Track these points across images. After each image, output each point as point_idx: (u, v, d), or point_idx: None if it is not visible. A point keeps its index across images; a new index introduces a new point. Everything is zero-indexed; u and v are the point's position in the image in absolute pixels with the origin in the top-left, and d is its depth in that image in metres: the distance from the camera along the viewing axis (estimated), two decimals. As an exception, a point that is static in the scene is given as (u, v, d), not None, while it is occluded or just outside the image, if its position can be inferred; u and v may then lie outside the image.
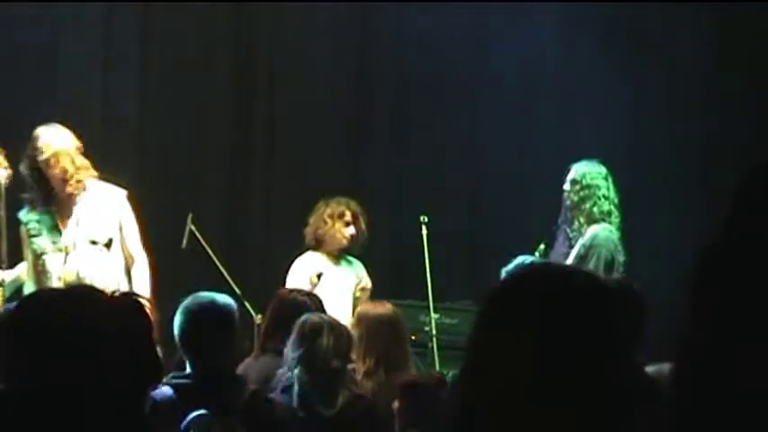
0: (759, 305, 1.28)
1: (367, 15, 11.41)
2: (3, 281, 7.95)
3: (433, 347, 8.76)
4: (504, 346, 2.40)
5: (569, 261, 8.34)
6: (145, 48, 11.01)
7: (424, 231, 9.16)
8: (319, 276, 8.55)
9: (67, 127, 8.18)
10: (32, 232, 8.01)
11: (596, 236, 8.44)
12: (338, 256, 8.93)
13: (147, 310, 4.20)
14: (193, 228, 8.93)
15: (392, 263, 10.14)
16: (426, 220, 9.18)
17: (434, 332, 8.86)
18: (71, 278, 7.89)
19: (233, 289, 8.51)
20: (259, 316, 8.29)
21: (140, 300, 4.06)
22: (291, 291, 7.76)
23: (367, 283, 8.98)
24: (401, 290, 9.33)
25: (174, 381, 5.70)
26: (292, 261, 8.86)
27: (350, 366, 6.81)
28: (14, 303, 4.73)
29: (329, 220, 8.83)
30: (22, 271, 8.17)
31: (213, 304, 5.81)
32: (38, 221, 8.07)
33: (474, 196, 11.03)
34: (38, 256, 8.00)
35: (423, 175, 10.91)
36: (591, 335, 2.42)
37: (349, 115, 11.20)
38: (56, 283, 7.82)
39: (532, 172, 10.20)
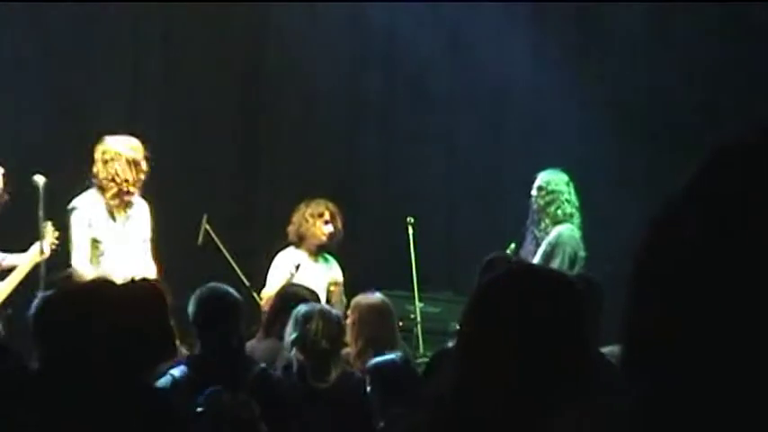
0: (706, 283, 1.12)
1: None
2: None
3: (417, 333, 8.73)
4: (492, 339, 2.51)
5: (537, 257, 8.38)
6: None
7: (411, 231, 9.12)
8: (297, 267, 8.48)
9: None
10: (92, 221, 7.96)
11: (560, 235, 8.44)
12: (316, 252, 8.82)
13: (163, 295, 4.26)
14: (208, 227, 8.90)
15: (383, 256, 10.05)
16: (412, 220, 9.15)
17: (419, 319, 8.84)
18: (124, 267, 7.83)
19: (242, 280, 8.57)
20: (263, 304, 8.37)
21: (158, 285, 4.12)
22: (293, 285, 7.82)
23: (339, 277, 8.88)
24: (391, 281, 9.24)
25: (189, 360, 5.84)
26: (273, 257, 8.84)
27: (346, 350, 6.91)
28: (48, 292, 4.76)
29: (310, 219, 8.74)
30: (28, 255, 8.11)
31: (222, 292, 5.99)
32: (97, 212, 8.02)
33: (454, 201, 10.98)
34: (96, 243, 7.94)
35: (409, 179, 10.82)
36: (564, 325, 2.50)
37: (341, 129, 11.14)
38: (111, 267, 7.74)
39: (504, 180, 10.17)
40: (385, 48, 11.17)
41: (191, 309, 5.96)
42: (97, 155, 8.02)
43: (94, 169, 8.02)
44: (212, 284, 6.11)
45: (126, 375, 4.08)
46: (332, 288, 8.77)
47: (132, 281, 5.48)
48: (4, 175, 8.10)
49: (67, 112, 10.04)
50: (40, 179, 8.14)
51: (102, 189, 7.99)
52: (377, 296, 7.36)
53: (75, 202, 7.99)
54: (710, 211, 1.13)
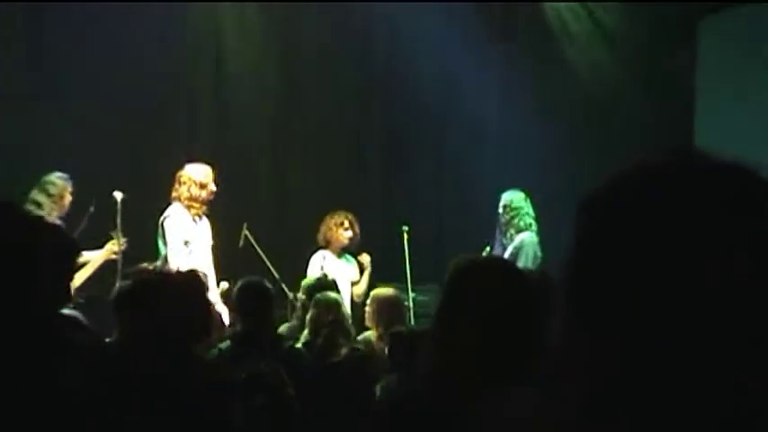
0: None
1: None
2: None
3: (410, 316, 8.58)
4: (463, 321, 2.47)
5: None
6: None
7: (405, 237, 9.22)
8: (322, 267, 8.54)
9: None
10: (182, 227, 8.04)
11: (523, 240, 8.46)
12: (339, 254, 8.87)
13: (204, 286, 4.24)
14: (248, 233, 8.88)
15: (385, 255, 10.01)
16: (407, 228, 9.24)
17: (412, 305, 8.84)
18: (203, 263, 7.97)
19: (273, 275, 8.53)
20: (291, 294, 8.38)
21: (200, 278, 4.12)
22: (316, 278, 7.67)
23: (355, 275, 8.92)
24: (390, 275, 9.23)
25: (233, 336, 5.93)
26: (310, 256, 8.83)
27: (367, 333, 7.00)
28: (124, 283, 4.83)
29: (333, 227, 8.82)
30: (101, 252, 8.11)
31: (257, 284, 6.04)
32: (184, 220, 8.10)
33: (441, 212, 11.09)
34: (186, 243, 8.05)
35: (406, 195, 10.74)
36: (517, 309, 2.47)
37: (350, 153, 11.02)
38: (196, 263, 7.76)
39: (480, 198, 10.00)
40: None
41: (234, 296, 6.11)
42: (177, 178, 8.21)
43: (175, 188, 8.18)
44: (250, 278, 6.18)
45: (180, 349, 4.02)
46: (357, 280, 8.87)
47: (179, 273, 5.52)
48: (71, 192, 8.12)
49: (140, 139, 9.85)
50: (118, 195, 8.24)
51: (181, 203, 8.15)
52: (391, 290, 7.42)
53: (167, 213, 8.09)
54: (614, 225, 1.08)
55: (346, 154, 10.96)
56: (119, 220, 8.20)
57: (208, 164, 8.37)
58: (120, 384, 3.60)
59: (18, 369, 2.09)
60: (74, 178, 8.18)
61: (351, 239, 8.85)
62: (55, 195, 8.02)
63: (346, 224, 8.84)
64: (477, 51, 10.59)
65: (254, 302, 5.87)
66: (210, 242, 8.31)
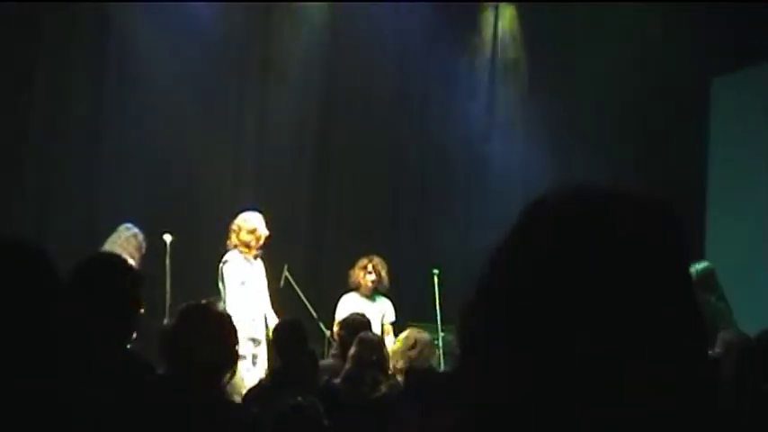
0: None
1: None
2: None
3: (440, 354, 8.58)
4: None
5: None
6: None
7: (436, 280, 9.21)
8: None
9: None
10: (239, 270, 8.25)
11: None
12: (369, 295, 8.82)
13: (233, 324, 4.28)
14: (288, 274, 9.00)
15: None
16: (437, 272, 9.23)
17: (441, 343, 8.74)
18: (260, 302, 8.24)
19: (311, 313, 8.66)
20: (327, 332, 8.48)
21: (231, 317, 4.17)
22: (352, 316, 7.56)
23: (390, 315, 8.86)
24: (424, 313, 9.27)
25: (273, 371, 5.97)
26: (339, 298, 8.82)
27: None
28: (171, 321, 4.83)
29: (358, 271, 8.84)
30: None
31: (294, 323, 6.20)
32: (241, 264, 8.31)
33: (468, 258, 11.00)
34: (242, 284, 8.23)
35: (437, 239, 10.83)
36: None
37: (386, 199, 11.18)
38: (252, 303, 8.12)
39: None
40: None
41: (272, 334, 6.25)
42: (230, 226, 8.38)
43: (229, 236, 8.35)
44: (286, 317, 6.34)
45: (208, 383, 3.90)
46: (384, 321, 8.76)
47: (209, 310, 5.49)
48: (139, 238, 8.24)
49: (183, 182, 10.07)
50: (167, 237, 8.40)
51: (236, 248, 8.32)
52: (424, 334, 7.34)
53: (225, 258, 8.26)
54: (525, 254, 1.06)
55: (381, 199, 11.07)
56: (168, 262, 8.34)
57: (258, 211, 8.53)
58: (159, 416, 3.62)
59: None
60: (126, 221, 8.28)
61: (374, 282, 8.81)
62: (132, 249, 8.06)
63: (370, 268, 8.83)
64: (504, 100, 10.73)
65: (290, 339, 5.95)
66: (265, 283, 8.47)
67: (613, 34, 10.77)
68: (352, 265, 8.96)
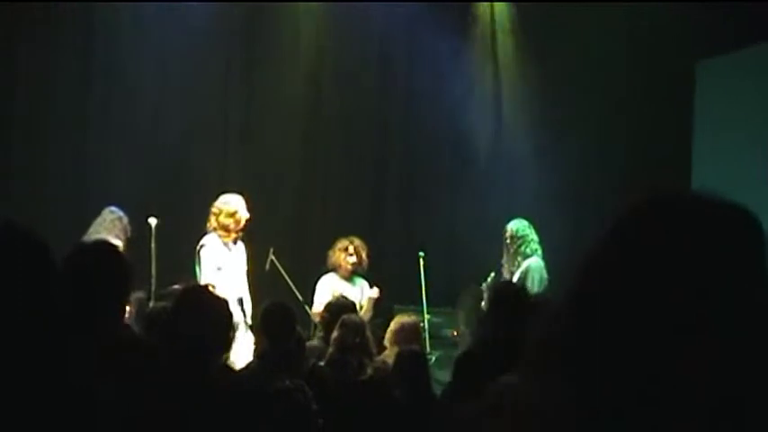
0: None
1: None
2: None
3: (425, 336, 8.56)
4: None
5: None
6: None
7: (422, 262, 9.18)
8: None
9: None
10: (215, 255, 8.14)
11: (529, 266, 8.49)
12: (348, 277, 8.72)
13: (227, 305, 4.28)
14: (273, 257, 8.88)
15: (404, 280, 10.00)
16: (423, 254, 9.19)
17: (427, 326, 8.80)
18: (238, 287, 8.14)
19: (297, 296, 8.59)
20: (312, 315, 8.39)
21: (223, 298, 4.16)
22: (338, 299, 7.59)
23: (369, 294, 8.69)
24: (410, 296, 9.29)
25: (260, 354, 5.88)
26: (317, 279, 8.74)
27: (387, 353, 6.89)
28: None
29: (338, 252, 8.72)
30: None
31: (281, 306, 6.02)
32: (218, 248, 8.20)
33: (453, 242, 10.94)
34: (218, 269, 8.10)
35: (422, 223, 10.70)
36: None
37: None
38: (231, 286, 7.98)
39: (491, 226, 9.96)
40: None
41: (258, 318, 6.08)
42: (211, 209, 8.27)
43: (209, 219, 8.25)
44: (274, 300, 6.20)
45: (203, 360, 3.93)
46: (363, 303, 8.58)
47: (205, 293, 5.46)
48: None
49: (170, 166, 10.00)
50: (153, 221, 8.35)
51: (215, 232, 8.21)
52: (412, 317, 7.41)
53: (202, 242, 8.17)
54: (627, 252, 1.11)
55: (367, 183, 10.99)
56: (153, 246, 8.28)
57: (239, 193, 8.41)
58: (151, 396, 3.59)
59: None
60: (110, 204, 8.30)
61: (354, 264, 8.71)
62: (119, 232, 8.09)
63: (350, 249, 8.72)
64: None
65: (279, 322, 5.83)
66: (245, 267, 8.35)
67: (600, 18, 10.71)
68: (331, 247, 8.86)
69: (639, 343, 1.07)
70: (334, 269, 8.76)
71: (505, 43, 11.15)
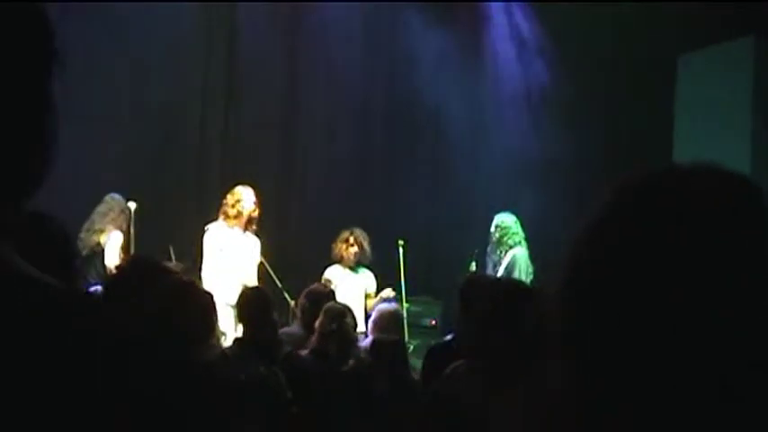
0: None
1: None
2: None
3: (404, 325, 8.65)
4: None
5: (500, 273, 8.34)
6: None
7: (401, 250, 9.11)
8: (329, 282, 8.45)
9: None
10: (219, 240, 8.13)
11: (514, 255, 8.52)
12: (352, 267, 8.72)
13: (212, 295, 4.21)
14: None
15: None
16: (402, 243, 9.11)
17: (406, 314, 8.76)
18: (245, 276, 8.07)
19: (276, 284, 8.44)
20: (293, 302, 8.21)
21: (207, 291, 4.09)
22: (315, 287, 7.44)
23: (371, 286, 8.75)
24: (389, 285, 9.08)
25: (236, 341, 5.72)
26: (322, 271, 8.69)
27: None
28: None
29: (340, 244, 8.73)
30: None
31: (259, 293, 5.90)
32: (223, 234, 8.19)
33: (431, 228, 10.96)
34: (220, 251, 8.09)
35: (403, 211, 10.54)
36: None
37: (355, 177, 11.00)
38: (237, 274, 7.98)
39: (471, 214, 10.01)
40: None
41: (236, 303, 5.92)
42: (225, 198, 8.30)
43: (223, 207, 8.26)
44: (251, 286, 6.11)
45: (181, 349, 3.85)
46: (368, 292, 8.69)
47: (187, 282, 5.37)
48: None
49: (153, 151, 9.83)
50: (132, 204, 8.26)
51: (226, 219, 8.22)
52: (394, 306, 7.34)
53: (208, 226, 8.21)
54: (621, 231, 1.07)
55: (348, 171, 10.88)
56: (132, 230, 8.19)
57: (251, 186, 8.38)
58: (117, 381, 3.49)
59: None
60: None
61: (356, 254, 8.71)
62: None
63: (351, 240, 8.73)
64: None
65: (255, 309, 5.67)
66: (257, 259, 8.32)
67: (587, 12, 10.60)
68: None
69: (640, 328, 1.03)
70: (338, 260, 8.76)
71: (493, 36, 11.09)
